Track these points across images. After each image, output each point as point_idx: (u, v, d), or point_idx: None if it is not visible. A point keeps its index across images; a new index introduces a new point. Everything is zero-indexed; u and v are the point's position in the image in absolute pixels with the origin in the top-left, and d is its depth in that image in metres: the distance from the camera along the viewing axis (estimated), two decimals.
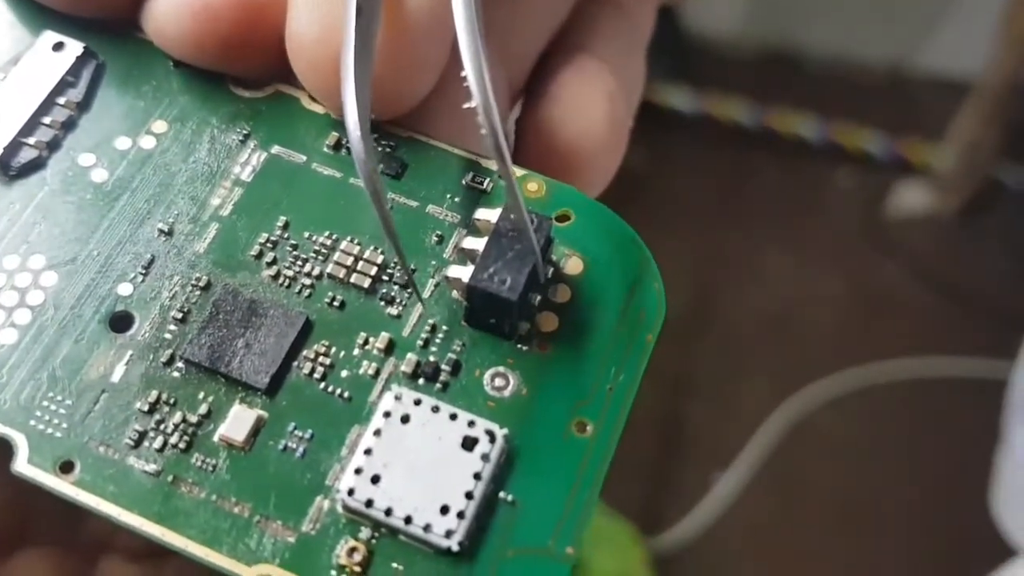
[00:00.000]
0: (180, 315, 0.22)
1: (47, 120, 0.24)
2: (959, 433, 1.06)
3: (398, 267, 0.22)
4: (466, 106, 0.20)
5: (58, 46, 0.24)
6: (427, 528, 0.19)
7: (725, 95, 1.32)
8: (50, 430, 0.21)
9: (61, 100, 0.24)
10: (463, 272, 0.21)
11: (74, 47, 0.24)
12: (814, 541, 1.03)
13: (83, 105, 0.24)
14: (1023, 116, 1.16)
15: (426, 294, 0.22)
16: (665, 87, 1.31)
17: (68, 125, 0.24)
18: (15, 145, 0.23)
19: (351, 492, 0.19)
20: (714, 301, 1.18)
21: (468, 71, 0.20)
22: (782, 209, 1.26)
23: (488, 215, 0.21)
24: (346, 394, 0.21)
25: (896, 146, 1.29)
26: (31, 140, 0.23)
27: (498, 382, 0.21)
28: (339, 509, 0.20)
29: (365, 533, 0.19)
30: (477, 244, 0.21)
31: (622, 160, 0.27)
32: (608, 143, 0.26)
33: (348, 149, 0.23)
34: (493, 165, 0.23)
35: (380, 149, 0.23)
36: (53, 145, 0.23)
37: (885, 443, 1.09)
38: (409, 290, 0.22)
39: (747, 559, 1.04)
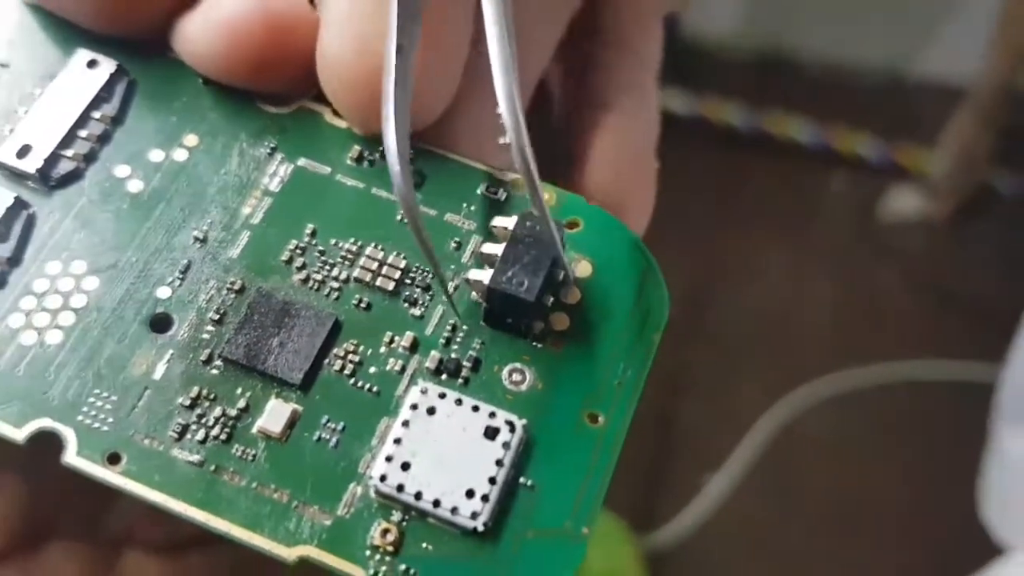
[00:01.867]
0: (217, 316, 0.23)
1: (84, 134, 0.24)
2: (949, 436, 1.05)
3: (432, 277, 0.23)
4: (501, 141, 0.21)
5: (92, 63, 0.25)
6: (454, 511, 0.20)
7: (721, 98, 1.31)
8: (97, 424, 0.21)
9: (96, 115, 0.25)
10: (483, 275, 0.22)
11: (107, 65, 0.25)
12: (805, 541, 1.03)
13: (117, 120, 0.25)
14: (1016, 122, 1.16)
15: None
16: (661, 90, 1.31)
17: (104, 138, 0.25)
18: (54, 157, 0.24)
19: (383, 478, 0.21)
20: (708, 302, 1.18)
21: (500, 97, 0.21)
22: (776, 212, 1.26)
23: (506, 222, 0.23)
24: (375, 389, 0.22)
25: (890, 151, 1.29)
26: (69, 152, 0.24)
27: (515, 377, 0.22)
28: (372, 494, 0.21)
29: (396, 516, 0.21)
30: (495, 249, 0.22)
31: None
32: (642, 196, 0.28)
33: (370, 162, 0.25)
34: (506, 176, 0.24)
35: None
36: (90, 157, 0.24)
37: (876, 445, 1.09)
38: (431, 292, 0.23)
39: (739, 558, 1.04)
